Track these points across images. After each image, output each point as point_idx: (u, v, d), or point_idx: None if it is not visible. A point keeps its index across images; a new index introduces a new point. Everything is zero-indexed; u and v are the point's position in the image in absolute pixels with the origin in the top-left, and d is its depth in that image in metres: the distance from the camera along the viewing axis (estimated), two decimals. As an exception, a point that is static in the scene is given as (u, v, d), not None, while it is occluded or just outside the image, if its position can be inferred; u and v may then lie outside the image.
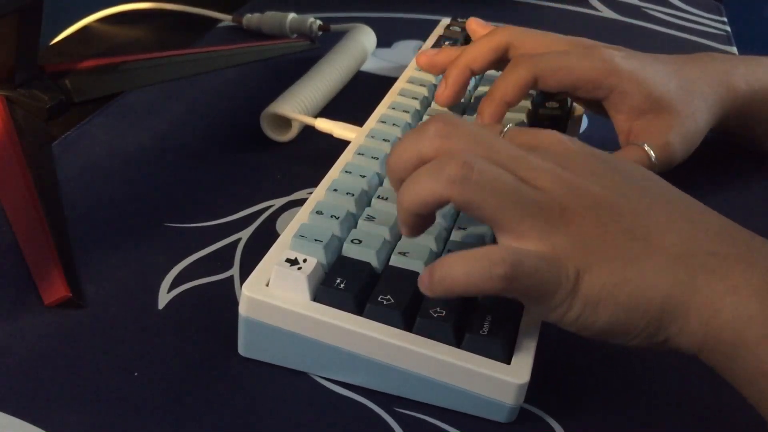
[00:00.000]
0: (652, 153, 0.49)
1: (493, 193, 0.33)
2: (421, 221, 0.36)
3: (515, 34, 0.52)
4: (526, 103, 0.54)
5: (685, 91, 0.51)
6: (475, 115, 0.50)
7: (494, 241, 0.37)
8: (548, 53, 0.50)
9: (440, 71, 0.55)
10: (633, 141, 0.50)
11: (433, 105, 0.54)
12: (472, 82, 0.56)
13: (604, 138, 0.54)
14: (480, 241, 0.40)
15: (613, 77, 0.50)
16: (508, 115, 0.53)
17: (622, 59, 0.50)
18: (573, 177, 0.34)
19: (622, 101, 0.50)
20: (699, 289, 0.32)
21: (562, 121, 0.54)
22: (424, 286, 0.34)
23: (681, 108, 0.51)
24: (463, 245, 0.40)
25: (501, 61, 0.52)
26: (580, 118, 0.57)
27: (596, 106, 0.54)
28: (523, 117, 0.53)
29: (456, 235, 0.41)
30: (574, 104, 0.58)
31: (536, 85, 0.49)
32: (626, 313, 0.33)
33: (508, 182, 0.33)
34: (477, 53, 0.52)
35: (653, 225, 0.34)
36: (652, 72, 0.51)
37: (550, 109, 0.55)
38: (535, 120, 0.54)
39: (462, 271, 0.33)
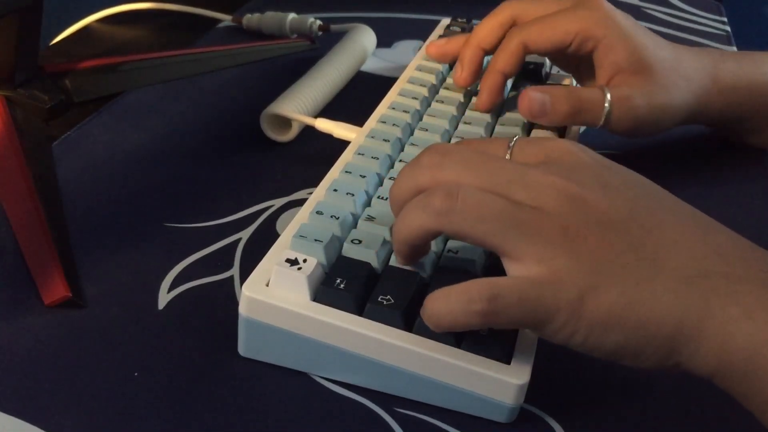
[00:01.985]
0: (608, 97, 0.49)
1: (480, 220, 0.32)
2: (415, 251, 0.36)
3: (519, 6, 0.53)
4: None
5: (668, 64, 0.51)
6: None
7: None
8: (536, 19, 0.51)
9: (451, 59, 0.57)
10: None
11: (441, 92, 0.55)
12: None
13: (604, 138, 0.54)
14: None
15: (601, 29, 0.50)
16: (508, 115, 0.53)
17: (615, 12, 0.51)
18: (579, 191, 0.33)
19: (606, 55, 0.50)
20: (712, 312, 0.31)
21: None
22: (426, 321, 0.34)
23: (658, 76, 0.50)
24: (464, 245, 0.40)
25: None
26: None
27: (584, 72, 0.55)
28: (523, 117, 0.53)
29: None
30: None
31: (529, 51, 0.50)
32: (635, 336, 0.32)
33: (497, 206, 0.33)
34: (485, 31, 0.53)
35: (664, 244, 0.33)
36: (643, 36, 0.51)
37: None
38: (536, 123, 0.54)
39: (444, 309, 0.33)
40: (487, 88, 0.51)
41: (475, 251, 0.39)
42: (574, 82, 0.59)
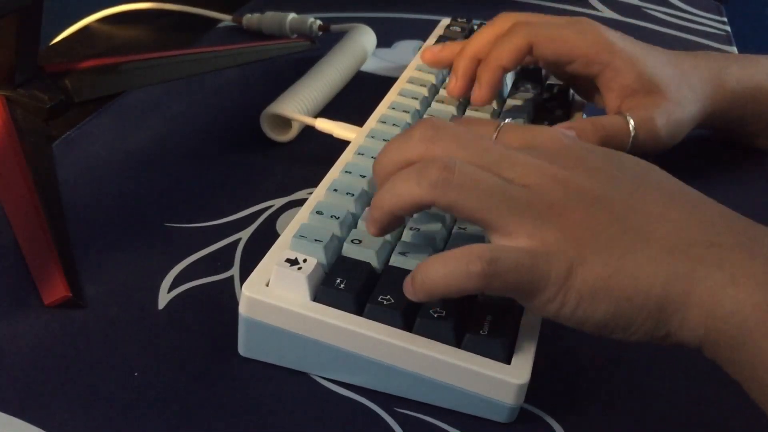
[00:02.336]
0: (632, 122, 0.49)
1: (474, 194, 0.33)
2: (395, 222, 0.36)
3: (518, 18, 0.53)
4: (526, 102, 0.54)
5: (677, 79, 0.52)
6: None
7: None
8: (547, 23, 0.51)
9: (446, 66, 0.57)
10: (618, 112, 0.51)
11: (441, 92, 0.55)
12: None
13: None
14: (479, 240, 0.40)
15: (606, 54, 0.50)
16: (509, 115, 0.53)
17: (618, 38, 0.51)
18: (562, 171, 0.34)
19: (614, 79, 0.51)
20: (699, 280, 0.32)
21: (562, 119, 0.54)
22: (408, 291, 0.35)
23: (670, 93, 0.51)
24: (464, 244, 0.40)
25: None
26: (579, 117, 0.57)
27: (586, 89, 0.55)
28: (523, 118, 0.53)
29: (456, 235, 0.41)
30: (574, 104, 0.58)
31: (531, 53, 0.50)
32: (623, 306, 0.32)
33: (491, 182, 0.34)
34: (482, 42, 0.52)
35: (648, 216, 0.34)
36: (646, 56, 0.52)
37: (548, 108, 0.55)
38: (535, 120, 0.54)
39: (441, 272, 0.33)
40: (486, 81, 0.51)
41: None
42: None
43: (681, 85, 0.52)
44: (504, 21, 0.53)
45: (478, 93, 0.51)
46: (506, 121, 0.38)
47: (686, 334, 0.32)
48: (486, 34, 0.53)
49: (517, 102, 0.55)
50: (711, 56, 0.56)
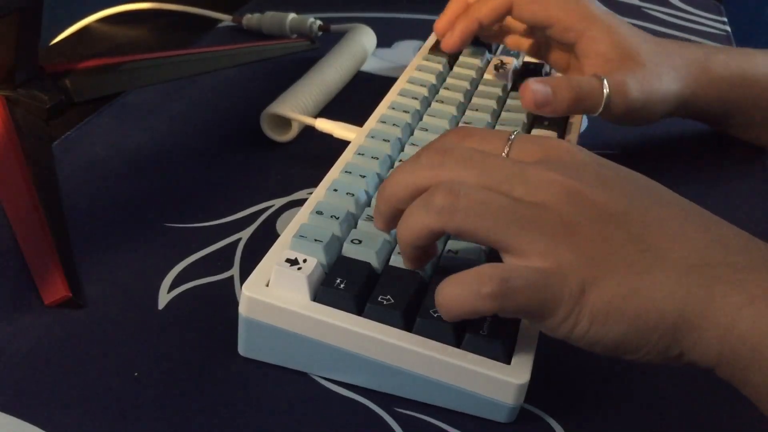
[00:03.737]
0: (606, 84, 0.50)
1: (482, 217, 0.33)
2: (421, 253, 0.36)
3: None
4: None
5: (657, 54, 0.53)
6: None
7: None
8: None
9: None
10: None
11: (442, 91, 0.55)
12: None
13: (604, 138, 0.54)
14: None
15: (585, 21, 0.51)
16: (508, 115, 0.53)
17: (600, 9, 0.52)
18: (578, 186, 0.33)
19: (590, 46, 0.52)
20: (714, 300, 0.31)
21: (562, 121, 0.54)
22: (440, 312, 0.34)
23: (648, 62, 0.52)
24: (463, 243, 0.40)
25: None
26: (579, 118, 0.57)
27: (562, 61, 0.56)
28: (523, 117, 0.53)
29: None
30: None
31: (511, 13, 0.52)
32: (637, 327, 0.32)
33: (498, 202, 0.33)
34: (488, 7, 0.54)
35: (664, 235, 0.33)
36: (627, 29, 0.53)
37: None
38: (535, 120, 0.54)
39: (454, 294, 0.33)
40: (459, 30, 0.53)
41: (474, 251, 0.39)
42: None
43: (661, 61, 0.53)
44: None
45: (449, 40, 0.54)
46: (516, 132, 0.37)
47: (700, 354, 0.32)
48: (493, 1, 0.54)
49: (517, 102, 0.55)
50: (698, 44, 0.57)
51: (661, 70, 0.52)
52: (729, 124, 0.60)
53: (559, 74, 0.59)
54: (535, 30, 0.53)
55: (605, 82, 0.50)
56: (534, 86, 0.48)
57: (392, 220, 0.36)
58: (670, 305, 0.31)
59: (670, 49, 0.54)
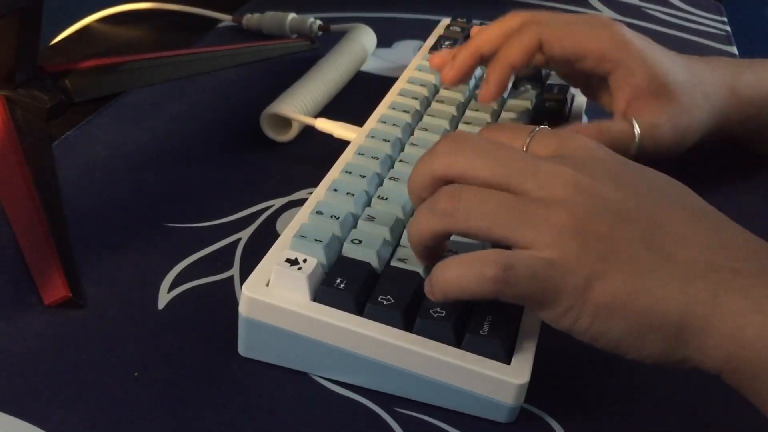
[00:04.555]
0: (637, 128, 0.48)
1: (484, 215, 0.33)
2: (431, 253, 0.37)
3: (529, 18, 0.51)
4: (526, 103, 0.54)
5: (690, 84, 0.51)
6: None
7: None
8: (557, 20, 0.50)
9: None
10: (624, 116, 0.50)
11: (441, 92, 0.55)
12: (474, 80, 0.56)
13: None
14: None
15: (621, 51, 0.49)
16: (508, 115, 0.53)
17: (633, 36, 0.50)
18: (589, 182, 0.33)
19: (626, 78, 0.49)
20: (720, 306, 0.31)
21: (562, 120, 0.54)
22: (427, 290, 0.35)
23: (681, 98, 0.50)
24: (463, 244, 0.40)
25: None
26: (579, 116, 0.57)
27: (593, 88, 0.54)
28: (523, 117, 0.53)
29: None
30: (574, 105, 0.58)
31: (541, 50, 0.49)
32: (639, 326, 0.32)
33: (498, 199, 0.33)
34: (488, 38, 0.51)
35: (673, 236, 0.33)
36: (661, 57, 0.50)
37: (550, 109, 0.55)
38: (535, 119, 0.54)
39: (455, 273, 0.33)
40: (494, 79, 0.49)
41: (475, 249, 0.39)
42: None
43: (693, 91, 0.51)
44: (512, 19, 0.51)
45: (486, 90, 0.50)
46: (540, 127, 0.37)
47: (705, 359, 0.32)
48: (492, 30, 0.51)
49: (517, 102, 0.55)
50: (723, 62, 0.55)
51: (692, 102, 0.51)
52: (758, 143, 0.59)
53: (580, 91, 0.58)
54: (567, 63, 0.51)
55: (636, 125, 0.49)
56: None
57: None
58: (673, 307, 0.31)
59: (700, 73, 0.52)
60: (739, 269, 0.32)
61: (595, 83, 0.53)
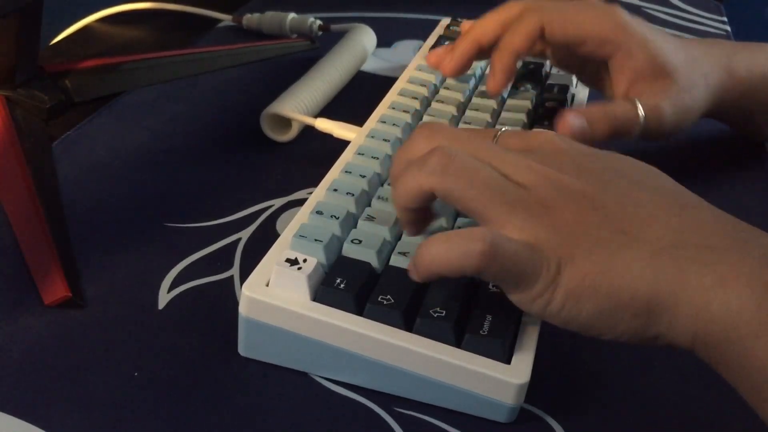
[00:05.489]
0: (641, 110, 0.49)
1: (472, 183, 0.34)
2: (416, 216, 0.37)
3: (527, 4, 0.51)
4: (526, 103, 0.54)
5: (688, 65, 0.52)
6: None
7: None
8: (558, 4, 0.50)
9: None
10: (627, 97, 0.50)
11: (441, 92, 0.55)
12: (474, 80, 0.56)
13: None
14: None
15: (621, 35, 0.49)
16: (508, 115, 0.53)
17: (633, 20, 0.50)
18: (555, 173, 0.35)
19: (626, 61, 0.50)
20: (687, 281, 0.32)
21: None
22: (410, 270, 0.35)
23: (681, 79, 0.51)
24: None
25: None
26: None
27: (592, 74, 0.54)
28: (523, 117, 0.53)
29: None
30: (574, 104, 0.58)
31: (543, 35, 0.49)
32: (610, 305, 0.32)
33: (488, 173, 0.34)
34: (486, 27, 0.51)
35: (639, 218, 0.34)
36: (660, 39, 0.51)
37: (550, 109, 0.55)
38: (535, 119, 0.54)
39: (442, 248, 0.33)
40: (500, 69, 0.49)
41: None
42: (574, 80, 0.59)
43: (692, 72, 0.52)
44: (509, 9, 0.52)
45: (493, 81, 0.50)
46: (504, 129, 0.38)
47: (677, 335, 0.32)
48: (491, 19, 0.52)
49: (517, 102, 0.55)
50: (720, 43, 0.56)
51: (691, 82, 0.51)
52: (753, 124, 0.59)
53: (582, 83, 0.59)
54: (568, 47, 0.51)
55: (639, 107, 0.49)
56: (570, 119, 0.47)
57: None
58: (642, 285, 0.32)
59: (697, 55, 0.53)
60: (707, 245, 0.33)
61: (591, 68, 0.54)
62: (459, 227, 0.40)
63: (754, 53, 0.56)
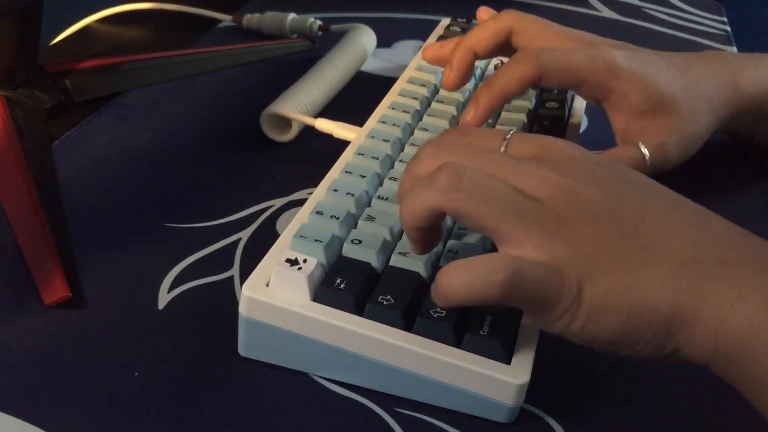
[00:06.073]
0: (646, 152, 0.48)
1: (484, 200, 0.33)
2: (424, 235, 0.36)
3: (519, 19, 0.52)
4: (526, 103, 0.54)
5: (689, 92, 0.50)
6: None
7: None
8: (553, 51, 0.49)
9: (446, 62, 0.55)
10: (629, 140, 0.50)
11: (441, 92, 0.55)
12: (474, 80, 0.56)
13: (604, 138, 0.54)
14: (479, 240, 0.40)
15: (613, 79, 0.49)
16: (508, 115, 0.53)
17: (625, 60, 0.49)
18: (572, 184, 0.34)
19: (621, 102, 0.49)
20: (707, 297, 0.31)
21: (562, 121, 0.54)
22: (434, 296, 0.34)
23: (682, 110, 0.50)
24: (463, 244, 0.40)
25: (504, 47, 0.52)
26: (579, 118, 0.57)
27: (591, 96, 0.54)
28: (523, 117, 0.53)
29: (456, 235, 0.41)
30: (574, 105, 0.58)
31: (539, 82, 0.49)
32: (631, 323, 0.32)
33: (501, 190, 0.33)
34: (480, 36, 0.51)
35: (658, 232, 0.33)
36: (656, 72, 0.50)
37: (549, 109, 0.55)
38: (535, 120, 0.54)
39: (463, 279, 0.33)
40: (484, 105, 0.48)
41: (474, 251, 0.39)
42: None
43: (694, 99, 0.50)
44: (506, 19, 0.52)
45: (473, 114, 0.49)
46: (513, 131, 0.37)
47: (693, 351, 0.32)
48: (486, 29, 0.51)
49: (517, 102, 0.55)
50: (722, 58, 0.55)
51: (694, 109, 0.50)
52: (756, 136, 0.58)
53: None
54: (567, 89, 0.51)
55: (645, 152, 0.48)
56: None
57: None
58: (662, 301, 0.32)
59: (699, 77, 0.51)
60: (725, 259, 0.32)
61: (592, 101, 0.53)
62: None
63: (758, 65, 0.55)
